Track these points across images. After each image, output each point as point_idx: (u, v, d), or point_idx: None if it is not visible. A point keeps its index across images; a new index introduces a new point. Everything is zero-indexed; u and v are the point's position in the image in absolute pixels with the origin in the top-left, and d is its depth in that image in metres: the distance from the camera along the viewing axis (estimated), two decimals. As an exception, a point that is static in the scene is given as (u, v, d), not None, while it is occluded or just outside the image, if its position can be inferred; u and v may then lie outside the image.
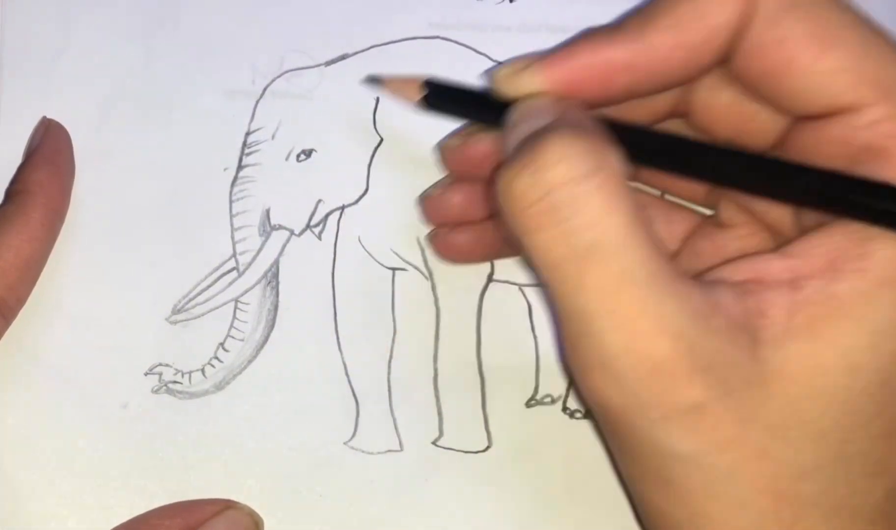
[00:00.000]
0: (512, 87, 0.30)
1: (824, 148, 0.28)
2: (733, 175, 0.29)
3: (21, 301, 0.36)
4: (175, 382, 0.37)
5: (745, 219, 0.32)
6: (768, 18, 0.28)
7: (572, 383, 0.36)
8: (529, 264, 0.28)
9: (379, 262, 0.37)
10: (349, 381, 0.37)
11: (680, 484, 0.27)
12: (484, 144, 0.34)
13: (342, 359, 0.37)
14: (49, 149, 0.37)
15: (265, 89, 0.38)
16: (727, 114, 0.31)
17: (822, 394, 0.26)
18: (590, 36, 0.29)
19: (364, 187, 0.38)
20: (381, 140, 0.38)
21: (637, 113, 0.32)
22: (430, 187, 0.36)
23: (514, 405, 0.37)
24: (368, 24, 0.39)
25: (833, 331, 0.26)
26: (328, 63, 0.39)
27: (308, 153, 0.38)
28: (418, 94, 0.33)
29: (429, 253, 0.37)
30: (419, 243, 0.37)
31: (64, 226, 0.37)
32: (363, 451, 0.36)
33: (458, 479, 0.36)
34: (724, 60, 0.29)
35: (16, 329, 0.36)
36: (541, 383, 0.37)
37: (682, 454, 0.27)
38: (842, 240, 0.27)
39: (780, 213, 0.31)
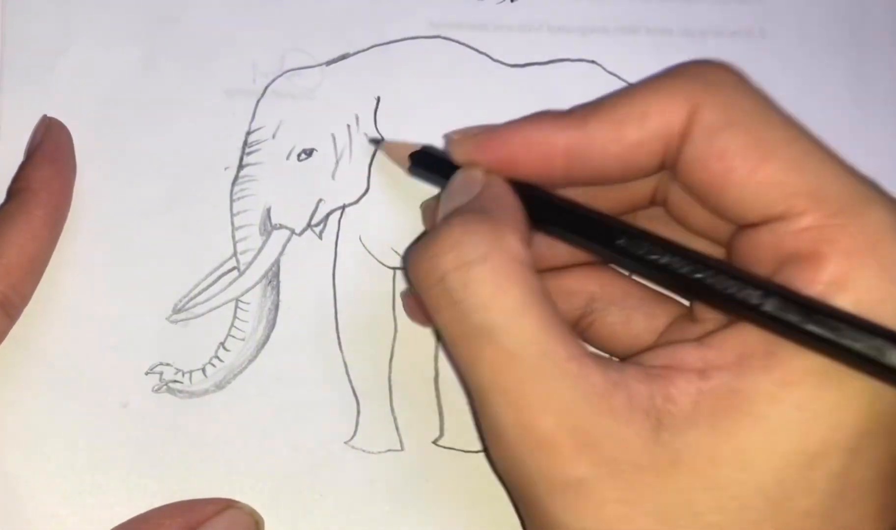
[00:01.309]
0: (459, 154, 0.32)
1: (759, 252, 0.29)
2: (645, 264, 0.29)
3: (25, 299, 0.36)
4: (176, 381, 0.37)
5: (713, 314, 0.32)
6: (708, 130, 0.29)
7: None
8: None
9: (380, 262, 0.37)
10: (350, 381, 0.37)
11: None
12: None
13: (343, 358, 0.37)
14: (50, 147, 0.37)
15: (266, 88, 0.38)
16: (694, 212, 0.31)
17: (715, 487, 0.27)
18: (536, 117, 0.31)
19: (365, 186, 0.38)
20: (383, 139, 0.38)
21: (615, 197, 0.33)
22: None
23: (515, 404, 0.37)
24: (369, 23, 0.39)
25: (732, 424, 0.27)
26: (329, 62, 0.39)
27: (309, 152, 0.38)
28: (407, 161, 0.35)
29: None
30: (420, 242, 0.37)
31: (65, 225, 0.37)
32: (364, 451, 0.36)
33: (458, 479, 0.36)
34: (671, 165, 0.30)
35: (16, 328, 0.36)
36: (541, 382, 0.37)
37: (568, 527, 0.28)
38: (753, 336, 0.28)
39: None
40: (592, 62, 0.39)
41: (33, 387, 0.36)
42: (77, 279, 0.37)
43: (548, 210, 0.31)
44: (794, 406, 0.27)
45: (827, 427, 0.26)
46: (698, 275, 0.28)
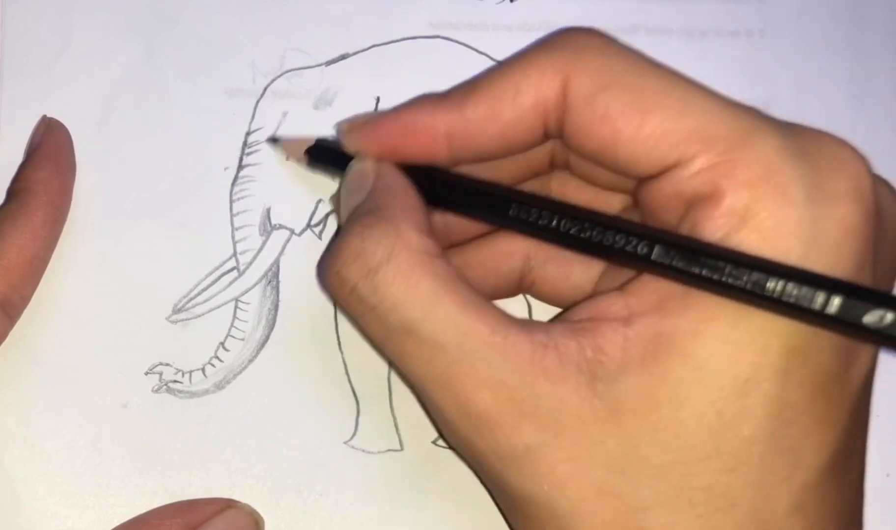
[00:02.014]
0: (348, 144, 0.33)
1: (664, 201, 0.29)
2: (538, 228, 0.30)
3: (25, 300, 0.36)
4: (175, 382, 0.37)
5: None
6: (585, 97, 0.29)
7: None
8: None
9: (379, 262, 0.37)
10: (349, 381, 0.37)
11: (533, 519, 0.29)
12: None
13: (342, 358, 0.37)
14: (50, 147, 0.37)
15: (266, 88, 0.38)
16: (596, 170, 0.31)
17: (657, 429, 0.27)
18: (417, 101, 0.32)
19: (364, 187, 0.38)
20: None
21: (514, 168, 0.33)
22: None
23: (515, 404, 0.37)
24: (369, 23, 0.39)
25: (663, 366, 0.27)
26: (329, 62, 0.39)
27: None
28: (304, 157, 0.36)
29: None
30: (419, 243, 0.37)
31: (65, 225, 0.37)
32: (363, 451, 0.36)
33: (458, 479, 0.36)
34: (557, 134, 0.30)
35: (16, 328, 0.36)
36: (541, 383, 0.37)
37: (526, 493, 0.28)
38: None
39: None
40: (592, 62, 0.39)
41: (33, 387, 0.36)
42: (77, 279, 0.37)
43: (441, 190, 0.32)
44: (718, 339, 0.27)
45: (753, 353, 0.27)
46: (585, 235, 0.29)
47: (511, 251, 0.35)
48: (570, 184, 0.34)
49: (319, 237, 0.38)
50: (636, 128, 0.28)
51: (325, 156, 0.35)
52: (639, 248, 0.28)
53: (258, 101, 0.38)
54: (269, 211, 0.38)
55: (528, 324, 0.29)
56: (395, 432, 0.37)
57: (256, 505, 0.35)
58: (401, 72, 0.38)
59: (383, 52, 0.39)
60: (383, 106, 0.38)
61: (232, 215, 0.38)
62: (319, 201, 0.38)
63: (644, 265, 0.28)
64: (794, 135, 0.28)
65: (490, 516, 0.36)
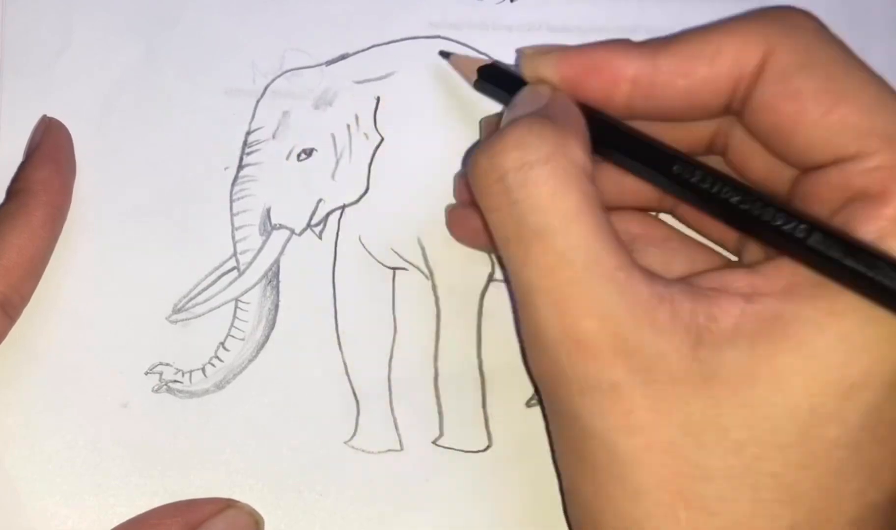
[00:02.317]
0: (529, 69, 0.32)
1: (823, 192, 0.29)
2: (698, 192, 0.30)
3: (25, 299, 0.36)
4: (175, 381, 0.37)
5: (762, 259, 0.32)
6: (783, 72, 0.29)
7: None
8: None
9: (379, 262, 0.37)
10: (349, 381, 0.37)
11: (589, 461, 0.28)
12: None
13: (342, 358, 0.37)
14: (50, 147, 0.37)
15: (266, 88, 0.38)
16: (754, 159, 0.32)
17: (747, 405, 0.27)
18: (610, 43, 0.31)
19: (365, 186, 0.38)
20: (382, 139, 0.38)
21: (673, 137, 0.32)
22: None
23: (515, 404, 0.37)
24: (369, 23, 0.39)
25: (773, 347, 0.27)
26: (329, 62, 0.39)
27: (309, 152, 0.38)
28: (475, 74, 0.36)
29: (429, 252, 0.37)
30: (420, 243, 0.37)
31: (64, 225, 0.37)
32: (363, 451, 0.36)
33: (458, 479, 0.36)
34: (737, 109, 0.30)
35: (16, 327, 0.36)
36: (541, 382, 0.37)
37: (594, 430, 0.28)
38: (804, 268, 0.28)
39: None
40: (592, 62, 0.39)
41: (33, 387, 0.36)
42: (77, 279, 0.37)
43: (609, 134, 0.31)
44: (838, 336, 0.27)
45: (869, 360, 0.27)
46: (746, 206, 0.29)
47: (620, 230, 0.33)
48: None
49: (320, 237, 0.38)
50: (824, 112, 0.28)
51: (497, 77, 0.35)
52: (797, 230, 0.28)
53: (258, 101, 0.38)
54: (269, 210, 0.38)
55: (651, 274, 0.29)
56: (395, 432, 0.36)
57: (256, 505, 0.35)
58: (401, 71, 0.38)
59: (384, 51, 0.38)
60: (383, 106, 0.38)
61: (232, 215, 0.38)
62: (319, 201, 0.38)
63: (797, 249, 0.28)
64: None
65: (490, 516, 0.36)
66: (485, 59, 0.36)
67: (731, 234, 0.34)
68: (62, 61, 0.39)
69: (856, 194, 0.28)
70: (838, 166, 0.28)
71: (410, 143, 0.38)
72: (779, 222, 0.28)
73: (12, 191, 0.36)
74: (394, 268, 0.37)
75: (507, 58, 0.38)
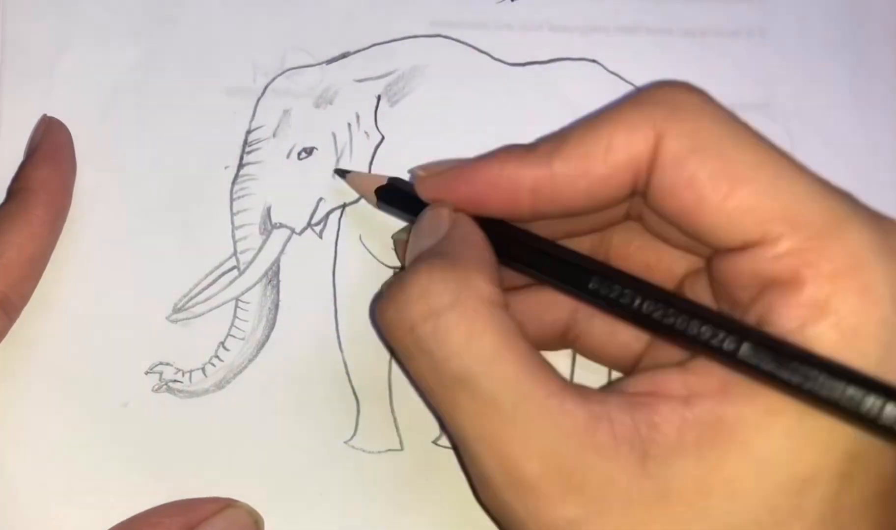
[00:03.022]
0: (424, 192, 0.32)
1: (738, 277, 0.28)
2: (618, 306, 0.29)
3: (24, 299, 0.36)
4: (176, 381, 0.37)
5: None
6: (675, 159, 0.28)
7: (573, 382, 0.37)
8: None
9: (380, 261, 0.37)
10: (349, 380, 0.37)
11: None
12: None
13: (343, 357, 0.37)
14: (50, 146, 0.37)
15: (266, 87, 0.38)
16: (670, 231, 0.31)
17: (705, 518, 0.26)
18: (502, 153, 0.30)
19: (365, 186, 0.38)
20: (383, 138, 0.38)
21: (588, 219, 0.32)
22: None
23: (515, 404, 0.36)
24: (370, 22, 0.39)
25: (720, 454, 0.26)
26: (329, 61, 0.39)
27: (309, 151, 0.38)
28: (373, 195, 0.35)
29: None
30: (420, 242, 0.37)
31: (65, 224, 0.37)
32: (363, 450, 0.36)
33: (458, 478, 0.36)
34: (641, 192, 0.29)
35: (16, 327, 0.36)
36: (542, 382, 0.37)
37: None
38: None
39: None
40: (593, 61, 0.39)
41: (33, 387, 0.36)
42: (77, 279, 0.37)
43: (517, 248, 0.31)
44: (782, 433, 0.26)
45: (816, 453, 0.26)
46: (670, 320, 0.28)
47: (559, 301, 0.34)
48: (635, 241, 0.33)
49: (320, 236, 0.38)
50: (722, 198, 0.27)
51: (397, 198, 0.35)
52: (725, 344, 0.27)
53: (259, 100, 0.38)
54: (269, 209, 0.38)
55: (583, 392, 0.28)
56: (395, 432, 0.36)
57: (256, 505, 0.35)
58: (402, 70, 0.38)
59: (384, 50, 0.39)
60: (383, 107, 0.38)
61: (232, 214, 0.38)
62: (320, 200, 0.38)
63: (728, 361, 0.27)
64: (885, 230, 0.27)
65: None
66: (382, 179, 0.35)
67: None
68: (62, 61, 0.39)
69: (769, 281, 0.27)
70: (748, 252, 0.27)
71: (411, 142, 0.38)
72: (706, 336, 0.27)
73: (12, 190, 0.36)
74: (394, 268, 0.37)
75: (508, 57, 0.39)
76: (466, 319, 0.28)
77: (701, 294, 0.31)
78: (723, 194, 0.27)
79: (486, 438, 0.28)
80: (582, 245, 0.33)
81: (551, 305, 0.34)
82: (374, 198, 0.35)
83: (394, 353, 0.37)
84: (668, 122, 0.28)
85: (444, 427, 0.36)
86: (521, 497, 0.27)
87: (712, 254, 0.30)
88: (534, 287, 0.34)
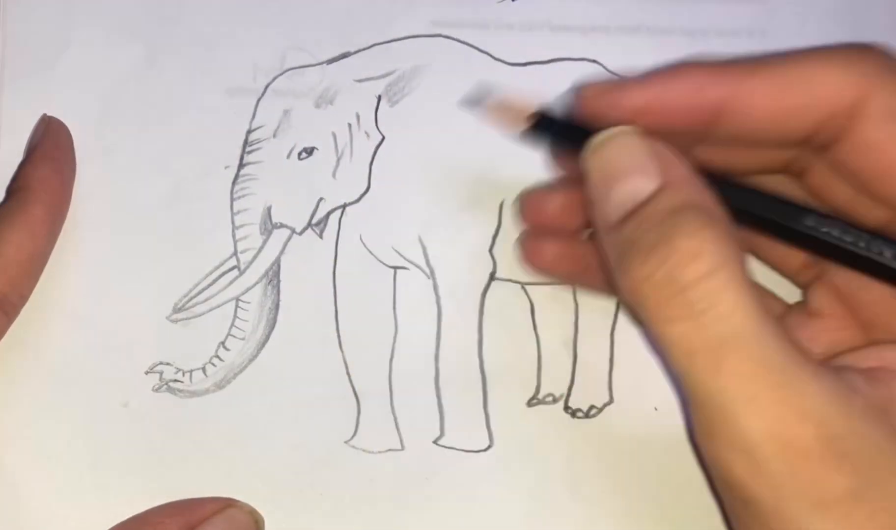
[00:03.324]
0: (600, 108, 0.30)
1: None
2: (840, 249, 0.28)
3: (24, 298, 0.36)
4: (176, 381, 0.37)
5: (838, 311, 0.31)
6: (884, 115, 0.27)
7: (574, 382, 0.37)
8: (654, 346, 0.29)
9: (380, 261, 0.37)
10: (350, 380, 0.37)
11: None
12: (559, 198, 0.34)
13: (343, 357, 0.37)
14: (50, 146, 0.37)
15: (266, 87, 0.38)
16: (838, 189, 0.30)
17: None
18: (686, 67, 0.29)
19: (366, 185, 0.38)
20: (383, 138, 0.38)
21: (745, 158, 0.31)
22: (530, 187, 0.35)
23: (516, 404, 0.36)
24: (370, 22, 0.39)
25: None
26: (330, 61, 0.39)
27: (309, 151, 0.38)
28: (522, 124, 0.31)
29: (430, 251, 0.37)
30: (420, 242, 0.37)
31: (65, 224, 0.37)
32: (364, 450, 0.36)
33: (459, 479, 0.36)
34: (823, 141, 0.28)
35: (16, 327, 0.36)
36: (542, 382, 0.37)
37: None
38: None
39: (877, 306, 0.31)
40: (593, 61, 0.39)
41: (33, 386, 0.36)
42: (77, 278, 0.37)
43: (730, 194, 0.29)
44: None
45: None
46: None
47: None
48: (784, 190, 0.31)
49: (320, 236, 0.38)
50: None
51: (552, 127, 0.31)
52: None
53: (259, 100, 0.38)
54: (269, 209, 0.38)
55: (828, 367, 0.27)
56: (395, 432, 0.36)
57: (256, 505, 0.35)
58: (402, 70, 0.38)
59: (385, 50, 0.39)
60: (383, 107, 0.38)
61: (232, 214, 0.38)
62: (320, 200, 0.38)
63: None
64: None
65: (490, 516, 0.36)
66: (528, 106, 0.32)
67: (793, 259, 0.33)
68: (62, 61, 0.39)
69: None
70: None
71: (411, 142, 0.38)
72: None
73: (12, 189, 0.36)
74: (395, 268, 0.37)
75: (508, 57, 0.38)
76: (736, 281, 0.26)
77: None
78: None
79: (757, 399, 0.26)
80: None
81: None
82: (522, 129, 0.31)
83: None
84: (881, 78, 0.27)
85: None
86: (793, 465, 0.26)
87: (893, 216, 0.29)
88: None
